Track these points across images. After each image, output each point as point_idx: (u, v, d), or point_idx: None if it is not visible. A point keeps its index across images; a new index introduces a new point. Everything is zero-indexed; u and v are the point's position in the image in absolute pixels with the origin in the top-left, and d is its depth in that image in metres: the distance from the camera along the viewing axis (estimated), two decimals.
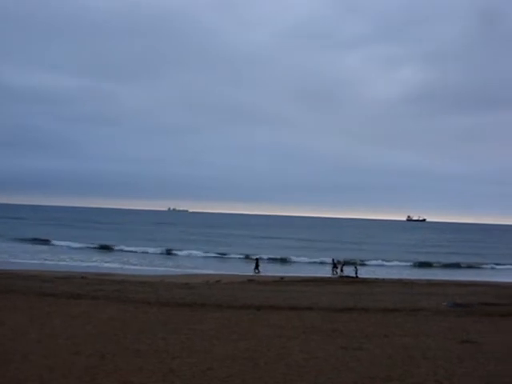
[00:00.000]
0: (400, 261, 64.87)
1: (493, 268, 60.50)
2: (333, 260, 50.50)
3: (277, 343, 13.98)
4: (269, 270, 48.85)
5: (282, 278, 40.94)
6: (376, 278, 43.09)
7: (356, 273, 46.16)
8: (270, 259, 60.73)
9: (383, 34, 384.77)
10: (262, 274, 46.14)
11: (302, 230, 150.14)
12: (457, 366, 11.59)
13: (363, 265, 55.77)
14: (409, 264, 61.49)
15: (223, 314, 19.47)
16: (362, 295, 28.65)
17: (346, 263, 52.20)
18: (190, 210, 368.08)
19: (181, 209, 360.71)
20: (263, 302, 23.25)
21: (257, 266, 49.67)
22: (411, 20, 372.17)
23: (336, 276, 46.38)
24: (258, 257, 53.83)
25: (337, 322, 18.15)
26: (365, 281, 39.94)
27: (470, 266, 63.85)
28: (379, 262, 62.01)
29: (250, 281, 37.11)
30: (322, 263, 56.99)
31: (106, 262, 52.90)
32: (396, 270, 55.57)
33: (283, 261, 61.19)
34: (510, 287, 37.08)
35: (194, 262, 57.48)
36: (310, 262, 59.23)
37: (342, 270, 47.75)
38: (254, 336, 15.01)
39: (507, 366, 11.74)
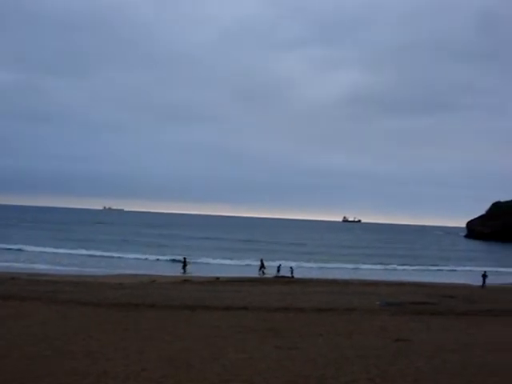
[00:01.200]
0: (335, 261, 65.62)
1: (427, 270, 61.88)
2: (261, 260, 50.57)
3: (212, 343, 13.96)
4: (202, 271, 48.38)
5: (217, 278, 40.78)
6: (311, 278, 43.38)
7: (292, 273, 46.36)
8: (203, 259, 60.30)
9: (320, 36, 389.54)
10: (192, 274, 45.64)
11: (238, 230, 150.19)
12: (389, 364, 11.86)
13: (299, 266, 56.00)
14: (343, 265, 62.19)
15: (158, 315, 19.30)
16: (298, 295, 28.91)
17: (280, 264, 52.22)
18: (126, 209, 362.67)
19: (116, 208, 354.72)
20: (198, 302, 23.19)
21: (184, 266, 49.17)
22: (348, 23, 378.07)
23: (263, 276, 46.38)
24: (185, 256, 53.09)
25: (272, 322, 18.28)
26: (300, 281, 40.19)
27: (403, 265, 65.63)
28: (315, 262, 62.49)
29: (185, 281, 36.86)
30: (249, 265, 56.30)
31: (35, 263, 51.10)
32: (331, 270, 56.32)
33: (216, 261, 60.67)
34: (439, 287, 38.30)
35: (127, 262, 56.45)
36: (241, 265, 58.73)
37: (278, 271, 47.83)
38: (188, 336, 14.94)
39: (436, 362, 12.11)
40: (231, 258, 63.88)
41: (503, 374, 10.91)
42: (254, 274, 47.35)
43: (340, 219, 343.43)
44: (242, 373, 10.77)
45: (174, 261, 57.14)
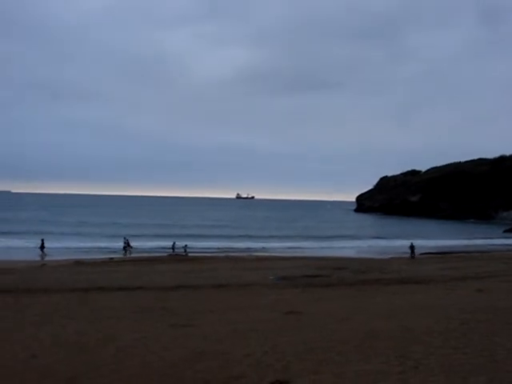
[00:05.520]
0: (228, 238, 66.14)
1: (317, 243, 63.47)
2: (124, 238, 49.73)
3: (106, 325, 13.77)
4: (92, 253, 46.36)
5: (111, 258, 40.16)
6: (205, 256, 43.67)
7: (185, 251, 46.62)
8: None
9: (210, 12, 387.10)
10: (49, 256, 42.12)
11: (125, 209, 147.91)
12: (280, 335, 12.18)
13: (193, 243, 55.84)
14: (237, 241, 62.52)
15: (50, 299, 18.76)
16: (193, 273, 29.04)
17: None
18: (13, 191, 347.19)
19: (2, 189, 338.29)
20: (92, 284, 22.82)
21: (42, 247, 44.84)
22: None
23: (128, 256, 45.45)
24: (43, 238, 47.13)
25: (167, 301, 18.29)
26: (195, 259, 40.28)
27: (291, 237, 67.59)
28: (209, 240, 62.47)
29: (78, 263, 35.88)
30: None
31: None
32: (223, 244, 56.93)
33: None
34: (330, 259, 39.68)
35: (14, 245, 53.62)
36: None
37: (172, 249, 47.66)
38: (82, 319, 14.66)
39: (324, 332, 12.58)
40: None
41: (385, 337, 11.51)
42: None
43: (234, 196, 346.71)
44: (136, 353, 10.71)
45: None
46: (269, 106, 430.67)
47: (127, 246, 48.71)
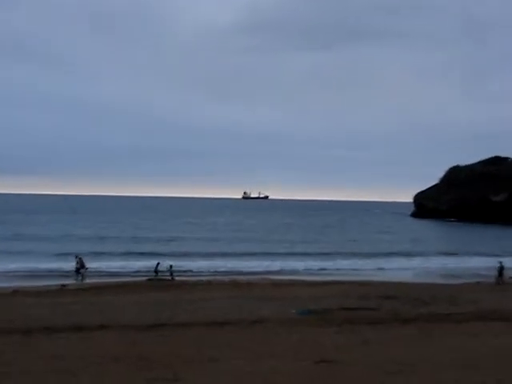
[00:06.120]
0: (232, 255, 66.49)
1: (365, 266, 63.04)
2: (76, 257, 49.37)
3: (53, 381, 13.67)
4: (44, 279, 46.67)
5: (63, 285, 40.32)
6: (200, 280, 44.10)
7: (171, 273, 46.82)
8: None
9: None
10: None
11: (93, 214, 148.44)
12: None
13: (184, 262, 55.66)
14: (245, 259, 62.66)
15: None
16: (181, 304, 29.20)
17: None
18: None
19: None
20: (36, 323, 22.74)
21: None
22: None
23: (80, 279, 45.42)
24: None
25: (143, 346, 18.20)
26: (185, 284, 40.74)
27: (324, 255, 67.89)
28: (206, 258, 62.57)
29: (17, 293, 35.90)
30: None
31: None
32: (226, 263, 57.36)
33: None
34: (378, 285, 39.73)
35: None
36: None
37: (155, 271, 47.65)
38: (21, 372, 14.54)
39: None
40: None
41: None
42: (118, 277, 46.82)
43: (239, 196, 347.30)
44: None
45: None
46: (280, 68, 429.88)
47: (81, 267, 48.44)
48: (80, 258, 49.29)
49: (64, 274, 48.08)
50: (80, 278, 47.05)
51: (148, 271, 49.56)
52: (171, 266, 47.75)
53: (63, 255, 59.71)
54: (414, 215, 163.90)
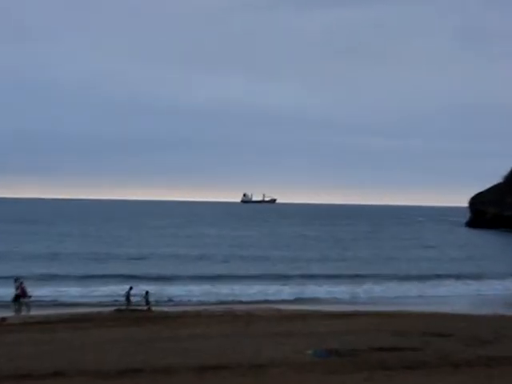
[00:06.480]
0: (230, 278, 66.94)
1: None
2: (16, 281, 49.17)
3: None
4: None
5: (3, 319, 40.12)
6: (185, 311, 44.37)
7: (147, 302, 47.09)
8: None
9: None
10: None
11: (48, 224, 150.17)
12: None
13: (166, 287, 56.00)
14: (246, 282, 63.37)
15: None
16: (161, 343, 29.05)
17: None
18: None
19: None
20: None
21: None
22: None
23: (20, 311, 45.63)
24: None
25: None
26: (165, 316, 41.18)
27: (349, 277, 68.34)
28: (195, 282, 63.12)
29: None
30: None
31: None
32: (221, 289, 57.62)
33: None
34: (421, 317, 39.50)
35: None
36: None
37: (127, 299, 47.81)
38: None
39: None
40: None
41: None
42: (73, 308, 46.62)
43: (238, 199, 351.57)
44: None
45: None
46: (290, 30, 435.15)
47: (21, 295, 47.77)
48: (21, 283, 48.71)
49: (3, 304, 47.66)
50: (21, 308, 46.95)
51: (116, 300, 49.90)
52: (147, 293, 48.49)
53: (1, 279, 59.14)
54: (470, 224, 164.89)
